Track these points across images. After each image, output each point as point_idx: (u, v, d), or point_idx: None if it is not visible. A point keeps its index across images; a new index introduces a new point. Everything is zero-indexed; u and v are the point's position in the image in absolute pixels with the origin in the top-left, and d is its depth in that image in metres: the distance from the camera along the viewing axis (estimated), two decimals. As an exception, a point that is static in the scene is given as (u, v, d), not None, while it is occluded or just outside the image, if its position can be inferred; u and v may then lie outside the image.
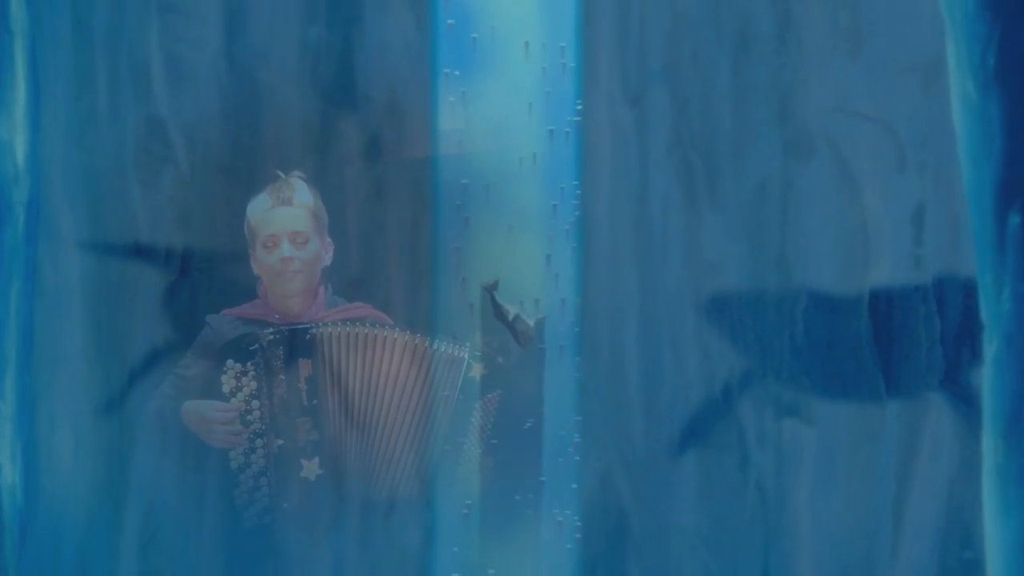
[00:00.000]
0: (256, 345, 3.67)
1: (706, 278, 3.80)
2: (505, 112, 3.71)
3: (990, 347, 2.65)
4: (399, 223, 3.78)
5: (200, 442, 3.74)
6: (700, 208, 3.79)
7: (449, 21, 3.67)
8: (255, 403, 3.70)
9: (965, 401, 3.80)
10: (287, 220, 3.70)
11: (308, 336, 3.68)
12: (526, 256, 3.70)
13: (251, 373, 3.69)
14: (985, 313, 2.68)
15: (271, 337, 3.68)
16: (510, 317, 3.64)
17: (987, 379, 2.65)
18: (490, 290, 3.65)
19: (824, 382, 3.80)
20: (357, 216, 3.80)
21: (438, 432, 3.69)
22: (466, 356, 3.70)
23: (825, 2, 3.79)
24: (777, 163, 3.80)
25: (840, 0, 3.79)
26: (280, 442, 3.69)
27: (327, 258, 3.76)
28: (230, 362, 3.70)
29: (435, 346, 3.69)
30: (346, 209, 3.80)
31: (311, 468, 3.70)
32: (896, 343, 3.80)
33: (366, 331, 3.68)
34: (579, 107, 3.75)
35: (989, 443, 2.63)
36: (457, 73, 3.68)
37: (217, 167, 3.81)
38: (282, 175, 3.72)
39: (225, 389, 3.71)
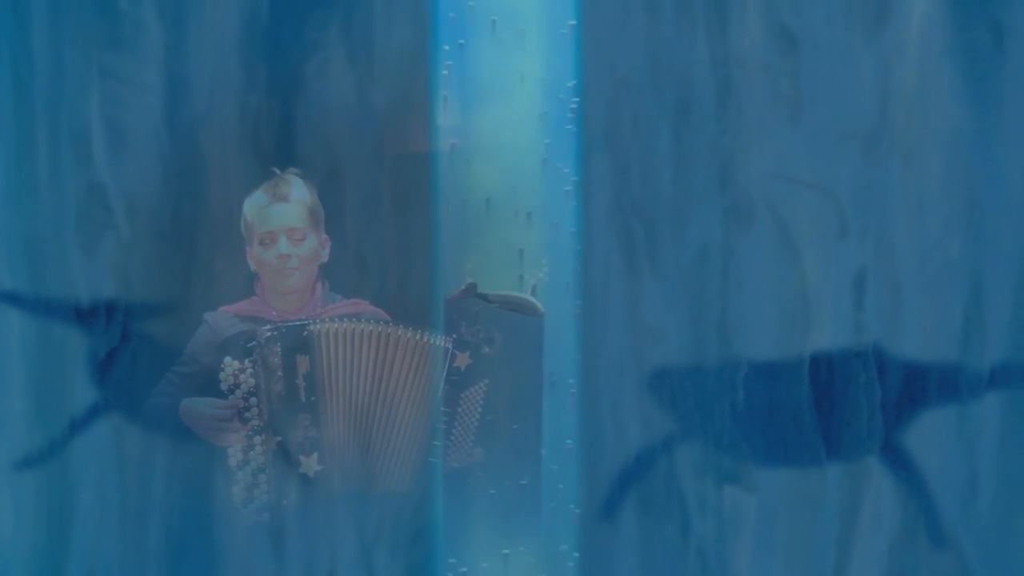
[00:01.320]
0: (254, 342, 3.67)
1: (647, 345, 3.80)
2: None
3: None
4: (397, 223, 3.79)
5: (140, 502, 3.73)
6: (641, 274, 3.79)
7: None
8: (253, 400, 3.69)
9: (905, 468, 3.81)
10: (284, 216, 3.70)
11: (306, 332, 3.68)
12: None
13: (249, 370, 3.69)
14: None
15: (269, 334, 3.67)
16: (511, 301, 3.64)
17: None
18: (475, 293, 3.65)
19: (765, 449, 3.80)
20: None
21: (433, 425, 3.69)
22: (450, 346, 3.70)
23: (765, 69, 3.80)
24: (718, 230, 3.80)
25: (780, 67, 3.80)
26: (279, 439, 3.69)
27: (324, 255, 3.77)
28: (228, 359, 3.70)
29: (424, 337, 3.68)
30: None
31: (310, 464, 3.69)
32: (837, 410, 3.80)
33: (364, 327, 3.68)
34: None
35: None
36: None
37: (158, 233, 3.81)
38: (278, 172, 3.73)
39: (223, 386, 3.71)
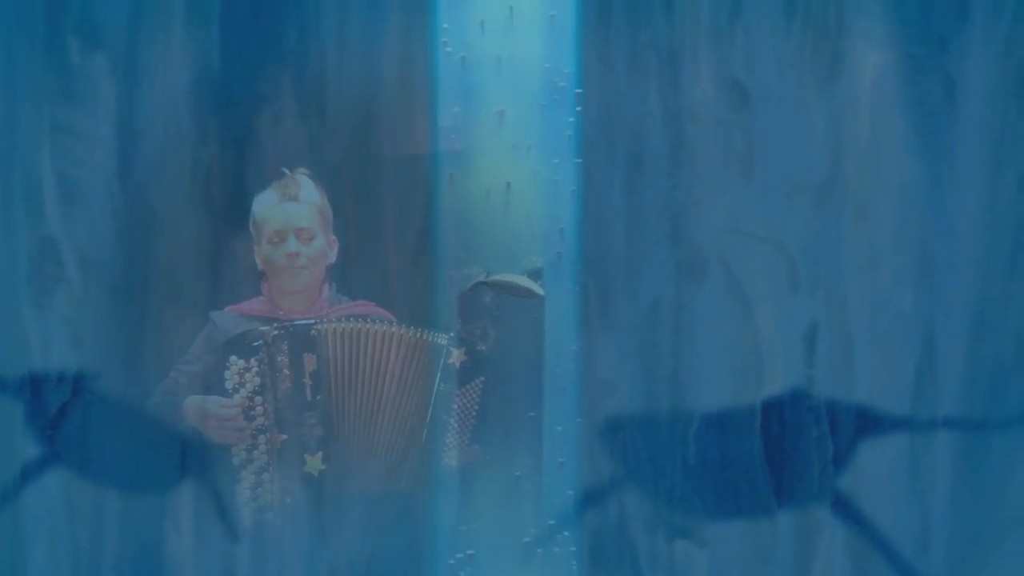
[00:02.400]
0: (260, 341, 3.67)
1: (599, 398, 3.80)
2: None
3: None
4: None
5: (92, 556, 3.73)
6: (593, 328, 3.79)
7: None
8: (258, 399, 3.70)
9: (858, 521, 3.81)
10: (293, 216, 3.71)
11: (313, 332, 3.68)
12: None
13: (254, 369, 3.69)
14: None
15: (276, 332, 3.68)
16: (510, 287, 3.64)
17: None
18: (486, 282, 3.65)
19: (716, 503, 3.80)
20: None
21: (433, 423, 3.69)
22: (444, 343, 3.71)
23: (717, 123, 3.80)
24: (670, 283, 3.80)
25: (732, 121, 3.80)
26: (284, 437, 3.70)
27: (332, 255, 3.77)
28: (233, 358, 3.70)
29: (429, 337, 3.69)
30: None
31: (315, 463, 3.69)
32: (788, 463, 3.80)
33: (372, 327, 3.68)
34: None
35: None
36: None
37: (110, 287, 3.81)
38: (287, 172, 3.74)
39: (228, 385, 3.71)
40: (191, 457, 3.80)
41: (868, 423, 3.81)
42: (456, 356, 3.71)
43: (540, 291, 3.66)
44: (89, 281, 3.81)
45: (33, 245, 3.81)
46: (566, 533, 3.74)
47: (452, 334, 3.72)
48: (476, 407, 3.74)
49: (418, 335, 3.71)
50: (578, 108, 3.73)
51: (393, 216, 3.80)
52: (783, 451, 3.80)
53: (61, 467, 3.81)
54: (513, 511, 3.72)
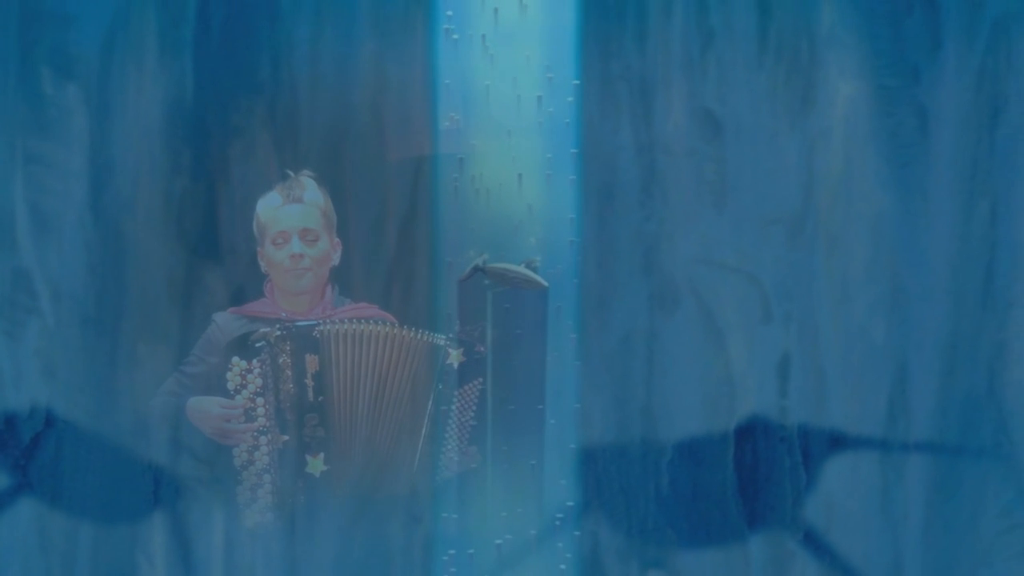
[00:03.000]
0: (263, 342, 3.68)
1: (572, 428, 3.80)
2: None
3: None
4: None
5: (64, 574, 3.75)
6: (565, 358, 3.79)
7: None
8: (260, 400, 3.70)
9: (829, 553, 3.81)
10: (298, 217, 3.71)
11: (316, 333, 3.69)
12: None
13: (256, 370, 3.69)
14: None
15: (279, 333, 3.68)
16: (510, 277, 3.64)
17: None
18: (484, 268, 3.65)
19: (689, 534, 3.80)
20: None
21: (433, 424, 3.70)
22: (443, 343, 3.72)
23: (690, 154, 3.80)
24: (642, 315, 3.80)
25: (705, 153, 3.80)
26: (285, 438, 3.70)
27: (335, 258, 3.77)
28: (235, 359, 3.71)
29: (431, 339, 3.70)
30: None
31: (316, 464, 3.70)
32: (761, 494, 3.80)
33: (376, 329, 3.69)
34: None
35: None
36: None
37: (83, 318, 3.81)
38: (291, 174, 3.74)
39: (230, 386, 3.72)
40: (163, 487, 3.80)
41: (841, 454, 3.81)
42: (454, 357, 3.71)
43: (543, 282, 3.66)
44: (62, 312, 3.81)
45: (5, 276, 3.81)
46: (560, 544, 3.75)
47: (451, 335, 3.71)
48: (474, 408, 3.74)
49: (421, 337, 3.71)
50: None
51: (391, 220, 3.80)
52: (756, 482, 3.80)
53: (33, 498, 3.81)
54: (513, 510, 3.72)
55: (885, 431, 3.81)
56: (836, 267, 3.81)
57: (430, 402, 3.70)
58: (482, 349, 3.73)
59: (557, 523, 3.73)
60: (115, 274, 3.81)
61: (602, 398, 3.80)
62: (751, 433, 3.80)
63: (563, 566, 3.75)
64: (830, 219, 3.80)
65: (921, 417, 3.81)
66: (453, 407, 3.73)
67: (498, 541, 3.72)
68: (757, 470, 3.80)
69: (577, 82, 3.75)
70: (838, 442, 3.80)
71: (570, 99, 3.75)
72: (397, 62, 3.79)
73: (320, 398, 3.69)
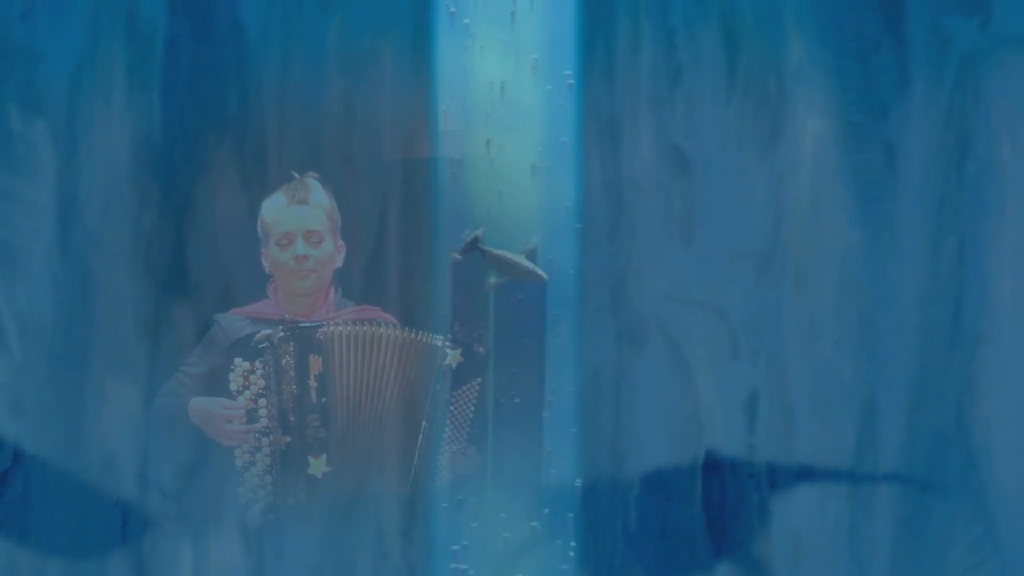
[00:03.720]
0: (267, 342, 3.67)
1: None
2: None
3: None
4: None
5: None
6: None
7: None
8: (262, 401, 3.70)
9: (798, 589, 3.82)
10: (303, 219, 3.71)
11: (320, 335, 3.69)
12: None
13: (259, 371, 3.69)
14: None
15: (282, 334, 3.68)
16: (510, 265, 3.64)
17: None
18: (478, 247, 3.65)
19: (657, 570, 3.80)
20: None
21: (431, 425, 3.70)
22: (440, 344, 3.72)
23: (658, 190, 3.80)
24: (611, 351, 3.80)
25: (673, 188, 3.80)
26: (288, 439, 3.70)
27: (339, 259, 3.77)
28: (238, 360, 3.71)
29: (433, 341, 3.70)
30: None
31: (318, 466, 3.70)
32: (729, 531, 3.80)
33: (379, 330, 3.69)
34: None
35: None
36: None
37: (50, 354, 3.80)
38: (297, 175, 3.74)
39: (232, 387, 3.72)
40: (131, 523, 3.80)
41: (809, 489, 3.81)
42: (452, 357, 3.72)
43: (543, 274, 3.66)
44: (29, 348, 3.81)
45: (-27, 312, 3.81)
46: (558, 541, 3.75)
47: (448, 335, 3.72)
48: (472, 409, 3.74)
49: (422, 338, 3.71)
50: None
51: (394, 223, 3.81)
52: (723, 518, 3.80)
53: (1, 534, 3.81)
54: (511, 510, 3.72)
55: (853, 467, 3.81)
56: (804, 303, 3.81)
57: (428, 403, 3.70)
58: (481, 350, 3.73)
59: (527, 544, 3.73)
60: (83, 310, 3.81)
61: (571, 434, 3.79)
62: (719, 469, 3.80)
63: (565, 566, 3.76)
64: (798, 255, 3.81)
65: (889, 453, 3.81)
66: (451, 408, 3.74)
67: (496, 540, 3.72)
68: (725, 506, 3.80)
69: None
70: (806, 478, 3.80)
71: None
72: (364, 98, 3.79)
73: (323, 399, 3.69)
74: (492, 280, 3.67)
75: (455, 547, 3.72)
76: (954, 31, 3.81)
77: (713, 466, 3.80)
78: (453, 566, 3.71)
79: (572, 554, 3.74)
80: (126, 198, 3.81)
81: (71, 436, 3.80)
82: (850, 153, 3.81)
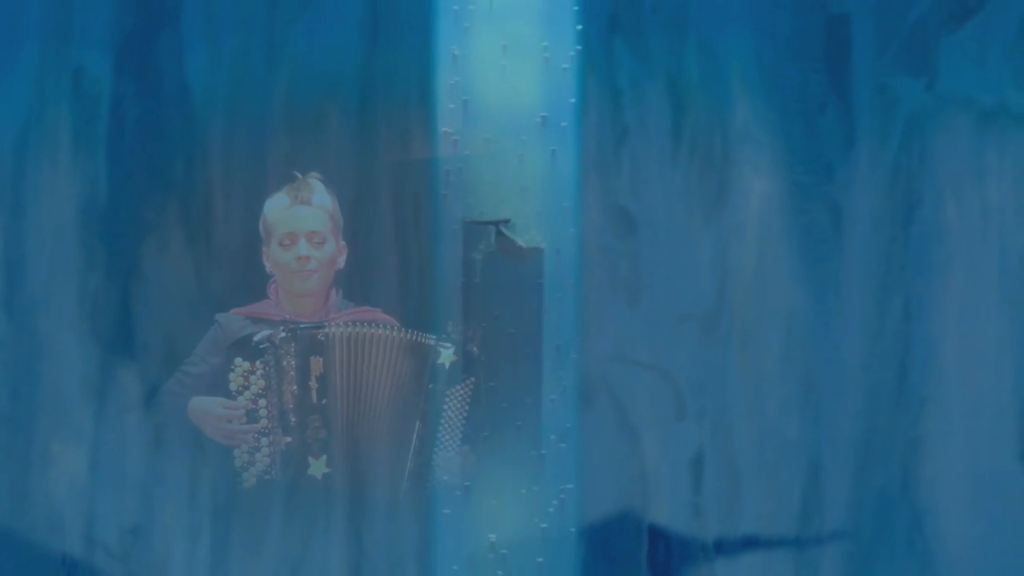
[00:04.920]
0: (267, 343, 3.68)
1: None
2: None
3: None
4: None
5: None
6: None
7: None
8: (262, 401, 3.70)
9: (744, 649, 3.83)
10: (305, 219, 3.72)
11: (321, 336, 3.69)
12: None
13: (259, 371, 3.69)
14: None
15: (283, 335, 3.68)
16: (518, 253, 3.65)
17: None
18: (501, 229, 3.66)
19: (603, 631, 3.81)
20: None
21: (425, 425, 3.70)
22: (434, 343, 3.72)
23: (604, 251, 3.80)
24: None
25: (619, 249, 3.80)
26: (288, 439, 3.70)
27: (341, 261, 3.78)
28: (238, 360, 3.71)
29: (427, 341, 3.71)
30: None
31: (318, 466, 3.70)
32: (675, 592, 3.81)
33: (382, 332, 3.69)
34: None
35: None
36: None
37: (-4, 416, 3.81)
38: (299, 175, 3.75)
39: (232, 387, 3.71)
40: (78, 584, 3.81)
41: (754, 551, 3.81)
42: (445, 357, 3.72)
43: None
44: (-26, 409, 3.82)
45: (-82, 373, 3.82)
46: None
47: (443, 335, 3.73)
48: (466, 409, 3.74)
49: (419, 339, 3.71)
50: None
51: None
52: (669, 579, 3.81)
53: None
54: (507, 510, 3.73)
55: (799, 528, 3.81)
56: (750, 363, 3.81)
57: (422, 402, 3.70)
58: (475, 349, 3.73)
59: None
60: (28, 371, 3.81)
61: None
62: (664, 530, 3.80)
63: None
64: (744, 315, 3.81)
65: (835, 513, 3.82)
66: (445, 407, 3.74)
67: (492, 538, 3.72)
68: (670, 567, 3.80)
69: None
70: (752, 539, 3.81)
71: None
72: (309, 157, 3.79)
73: (324, 401, 3.69)
74: (481, 251, 3.68)
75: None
76: (900, 92, 3.82)
77: (659, 527, 3.80)
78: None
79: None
80: (72, 259, 3.81)
81: (16, 497, 3.80)
82: (796, 214, 3.81)
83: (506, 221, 3.68)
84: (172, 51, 3.82)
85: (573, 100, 3.72)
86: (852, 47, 3.82)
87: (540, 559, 3.72)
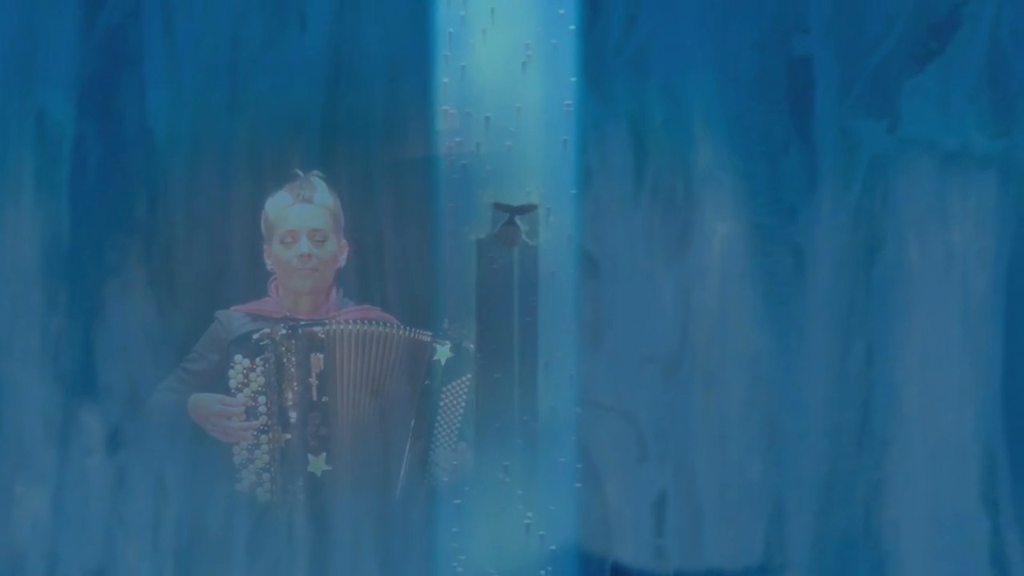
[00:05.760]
0: (268, 340, 3.68)
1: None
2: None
3: None
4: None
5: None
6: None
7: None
8: (261, 399, 3.71)
9: None
10: (307, 217, 3.72)
11: (321, 333, 3.70)
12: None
13: (259, 368, 3.70)
14: None
15: (284, 332, 3.69)
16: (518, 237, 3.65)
17: None
18: (515, 220, 3.66)
19: (566, 674, 3.81)
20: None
21: (420, 421, 3.70)
22: (429, 340, 3.73)
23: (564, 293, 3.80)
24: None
25: (581, 291, 3.80)
26: (288, 436, 3.71)
27: (342, 259, 3.78)
28: (238, 357, 3.72)
29: (427, 339, 3.72)
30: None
31: (318, 464, 3.71)
32: (638, 634, 3.81)
33: (383, 331, 3.70)
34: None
35: None
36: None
37: (-42, 458, 3.82)
38: (301, 173, 3.75)
39: (232, 384, 3.72)
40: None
41: (717, 593, 3.82)
42: (441, 353, 3.73)
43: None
44: (-65, 452, 3.82)
45: None
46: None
47: (439, 332, 3.73)
48: (462, 405, 3.74)
49: (417, 336, 3.72)
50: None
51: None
52: (632, 622, 3.81)
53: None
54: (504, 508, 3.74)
55: (761, 570, 3.81)
56: (712, 405, 3.81)
57: (418, 399, 3.71)
58: (471, 346, 3.74)
59: None
60: (-9, 414, 3.82)
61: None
62: (627, 573, 3.80)
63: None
64: (706, 357, 3.81)
65: (797, 555, 3.82)
66: (441, 403, 3.74)
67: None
68: (633, 609, 3.81)
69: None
70: (714, 581, 3.81)
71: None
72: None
73: (324, 398, 3.70)
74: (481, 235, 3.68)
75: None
76: (863, 134, 3.81)
77: (621, 570, 3.80)
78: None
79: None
80: (34, 300, 3.82)
81: (-21, 539, 3.81)
82: (758, 256, 3.81)
83: (533, 207, 3.68)
84: (134, 93, 3.82)
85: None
86: (815, 89, 3.82)
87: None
